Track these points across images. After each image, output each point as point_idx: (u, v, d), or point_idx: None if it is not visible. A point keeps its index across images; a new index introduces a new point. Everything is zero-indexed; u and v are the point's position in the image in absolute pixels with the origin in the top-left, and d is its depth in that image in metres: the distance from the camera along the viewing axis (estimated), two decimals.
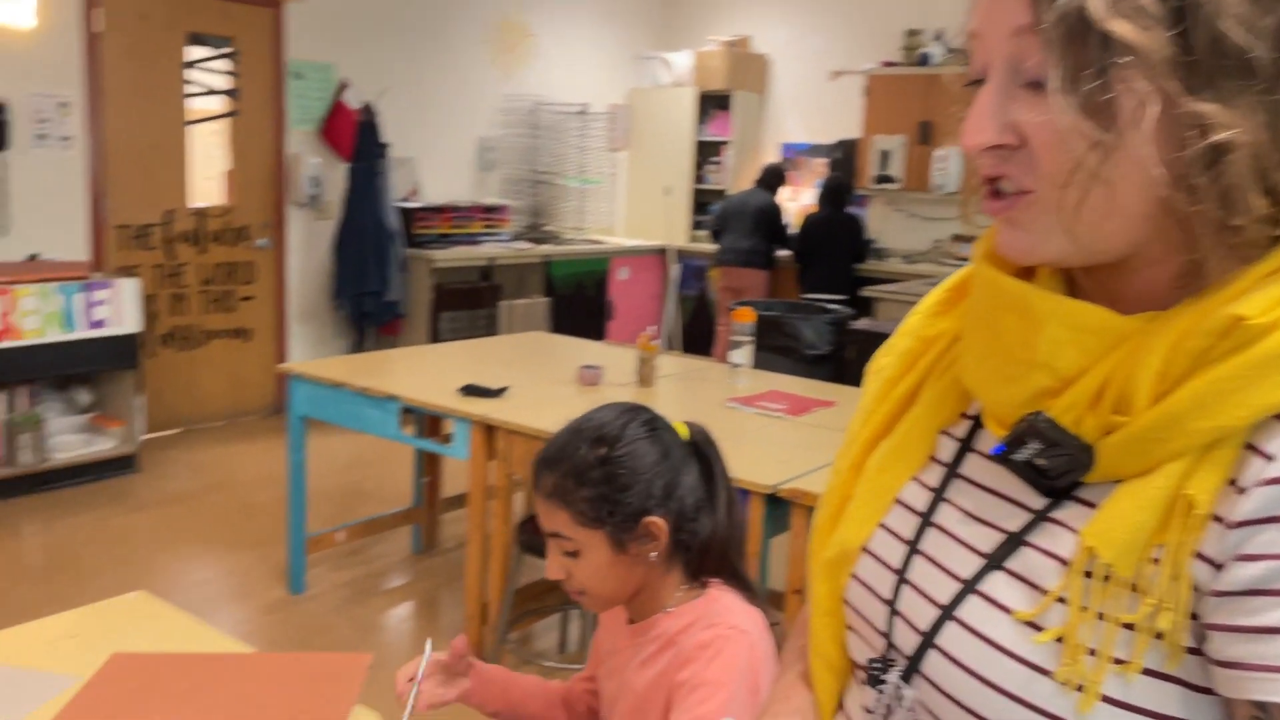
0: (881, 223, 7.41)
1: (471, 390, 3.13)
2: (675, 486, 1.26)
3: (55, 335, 4.41)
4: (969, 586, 0.71)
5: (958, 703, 0.70)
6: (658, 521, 1.23)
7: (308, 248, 5.97)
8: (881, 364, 0.87)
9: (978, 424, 0.78)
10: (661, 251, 7.79)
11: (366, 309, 5.94)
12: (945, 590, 0.73)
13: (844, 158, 7.38)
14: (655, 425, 1.29)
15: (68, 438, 4.66)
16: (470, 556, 3.12)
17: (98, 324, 4.54)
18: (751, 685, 1.16)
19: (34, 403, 4.56)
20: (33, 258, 4.66)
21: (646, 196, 7.98)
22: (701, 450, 1.31)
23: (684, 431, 1.31)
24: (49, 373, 4.54)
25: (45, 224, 4.81)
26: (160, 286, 5.38)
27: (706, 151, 7.86)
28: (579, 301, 7.05)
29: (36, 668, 1.49)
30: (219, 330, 5.68)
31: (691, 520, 1.26)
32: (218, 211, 5.61)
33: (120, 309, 4.61)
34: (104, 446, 4.74)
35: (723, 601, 1.26)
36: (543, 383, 3.38)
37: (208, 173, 5.82)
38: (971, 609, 0.70)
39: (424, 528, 4.09)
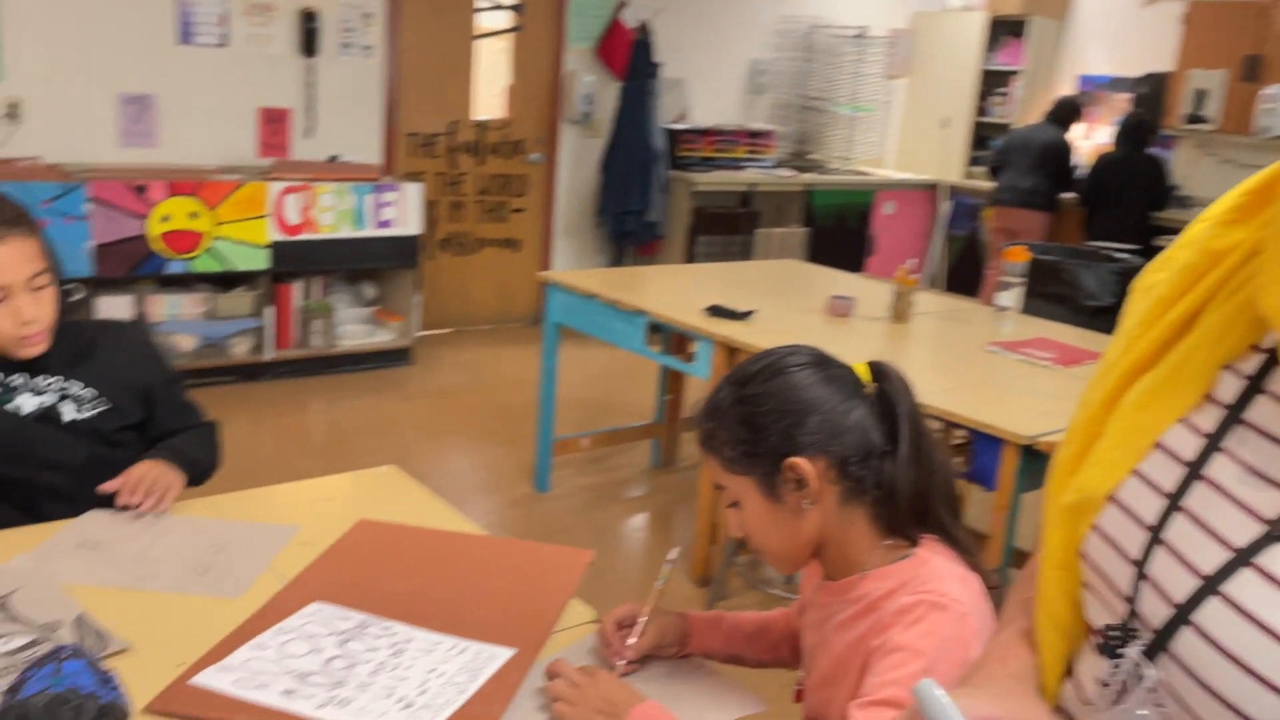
0: (1188, 167, 6.67)
1: (718, 311, 3.11)
2: (837, 428, 1.14)
3: (347, 232, 4.80)
4: (1243, 557, 0.61)
5: (1210, 690, 0.60)
6: (800, 463, 1.12)
7: (576, 164, 6.13)
8: (1153, 280, 0.74)
9: (1273, 360, 0.66)
10: (932, 187, 7.41)
11: (627, 228, 6.05)
12: (1211, 558, 0.62)
13: (1150, 93, 6.67)
14: (811, 363, 1.18)
15: (353, 327, 5.09)
16: (704, 476, 3.14)
17: (384, 224, 4.89)
18: (958, 659, 1.03)
19: (326, 293, 5.01)
20: (333, 159, 5.06)
21: (921, 128, 7.58)
22: (884, 390, 1.17)
23: (864, 371, 1.19)
24: (340, 266, 4.96)
25: (345, 128, 5.21)
26: (441, 194, 5.72)
27: (992, 82, 7.34)
28: (839, 234, 6.85)
29: (294, 523, 1.63)
30: (491, 239, 5.98)
31: (860, 464, 1.14)
32: (497, 125, 5.86)
33: (405, 212, 4.94)
34: (383, 338, 5.15)
35: (932, 565, 1.13)
36: (791, 310, 3.31)
37: (491, 87, 6.08)
38: (1243, 584, 0.60)
39: (663, 443, 4.16)
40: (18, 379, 1.61)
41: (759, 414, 1.16)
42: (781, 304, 3.37)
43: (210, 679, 1.18)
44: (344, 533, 1.58)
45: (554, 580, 1.48)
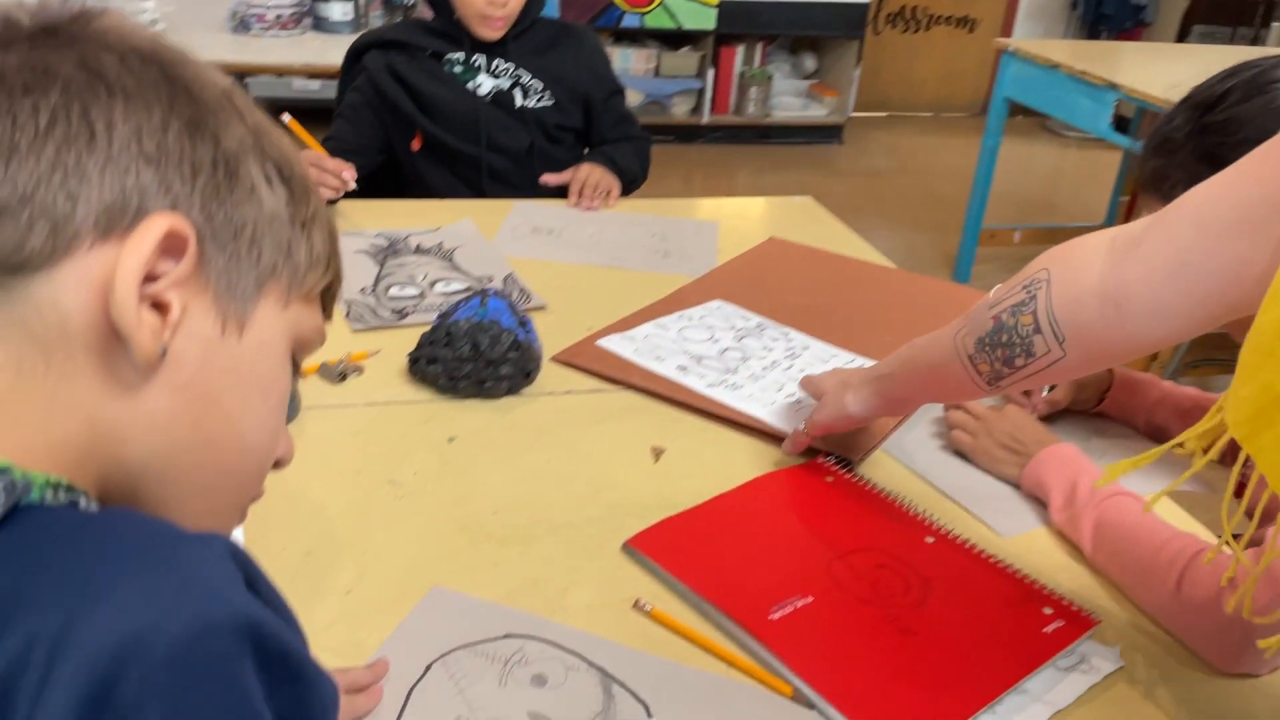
0: None
1: None
2: None
3: None
4: None
5: None
6: None
7: None
8: None
9: None
10: None
11: (1106, 10, 5.28)
12: None
13: None
14: None
15: (788, 99, 5.01)
16: None
17: None
18: None
19: (766, 61, 4.93)
20: None
21: None
22: None
23: None
24: (784, 31, 4.85)
25: None
26: None
27: None
28: None
29: (714, 220, 1.63)
30: (944, 16, 5.51)
31: None
32: None
33: None
34: (817, 113, 5.02)
35: None
36: None
37: None
38: None
39: None
40: (478, 59, 1.71)
41: (1227, 145, 0.90)
42: None
43: (613, 343, 1.22)
44: (753, 246, 1.56)
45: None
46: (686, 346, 1.23)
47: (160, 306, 0.41)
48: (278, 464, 0.51)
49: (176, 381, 0.42)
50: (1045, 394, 1.15)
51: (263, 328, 0.45)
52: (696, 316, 1.31)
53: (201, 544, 0.38)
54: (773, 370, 1.20)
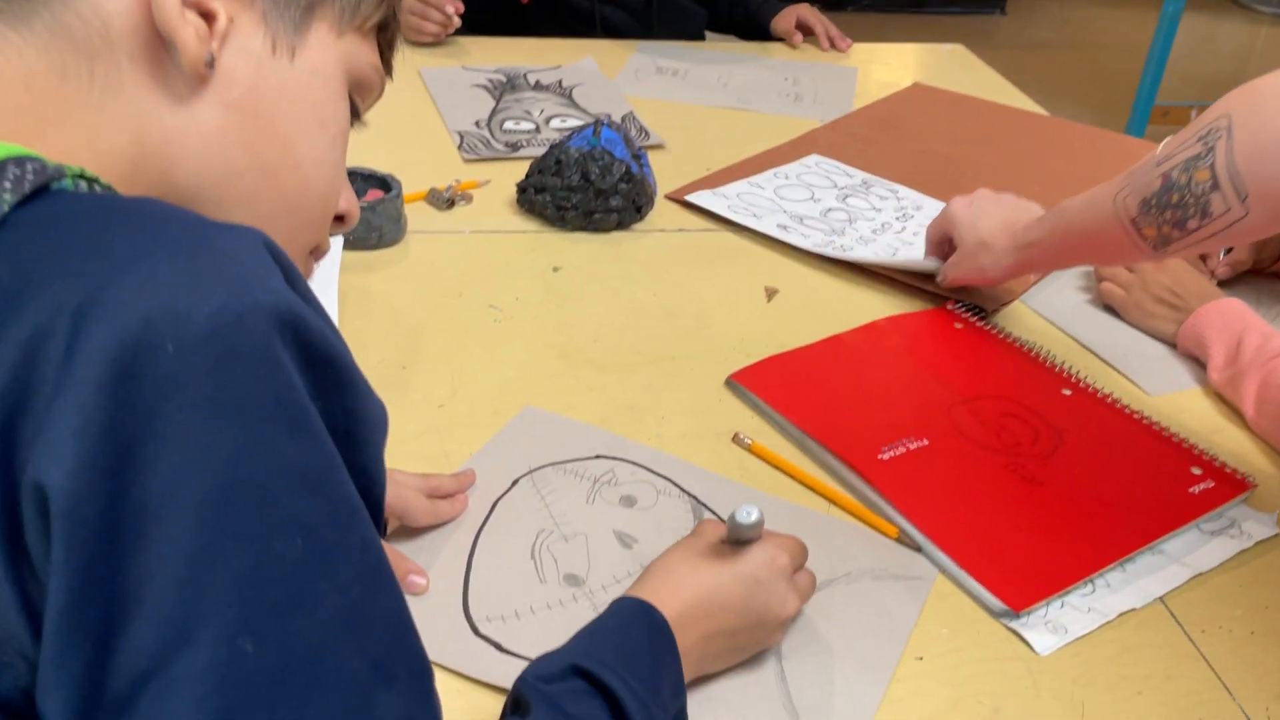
0: None
1: None
2: None
3: None
4: None
5: None
6: None
7: None
8: None
9: None
10: None
11: None
12: None
13: None
14: None
15: None
16: None
17: None
18: None
19: None
20: None
21: None
22: None
23: None
24: None
25: None
26: None
27: None
28: None
29: (853, 66, 1.52)
30: None
31: None
32: None
33: None
34: None
35: None
36: None
37: None
38: None
39: None
40: None
41: None
42: None
43: (703, 199, 1.13)
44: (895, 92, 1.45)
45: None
46: (785, 205, 1.14)
47: (207, 15, 0.39)
48: (341, 221, 0.48)
49: (228, 98, 0.40)
50: (1223, 256, 1.03)
51: (315, 54, 0.43)
52: (793, 174, 1.21)
53: (240, 233, 0.34)
54: (884, 233, 1.10)
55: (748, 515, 0.58)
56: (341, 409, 0.35)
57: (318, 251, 0.48)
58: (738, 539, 0.60)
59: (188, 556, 0.30)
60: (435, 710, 0.36)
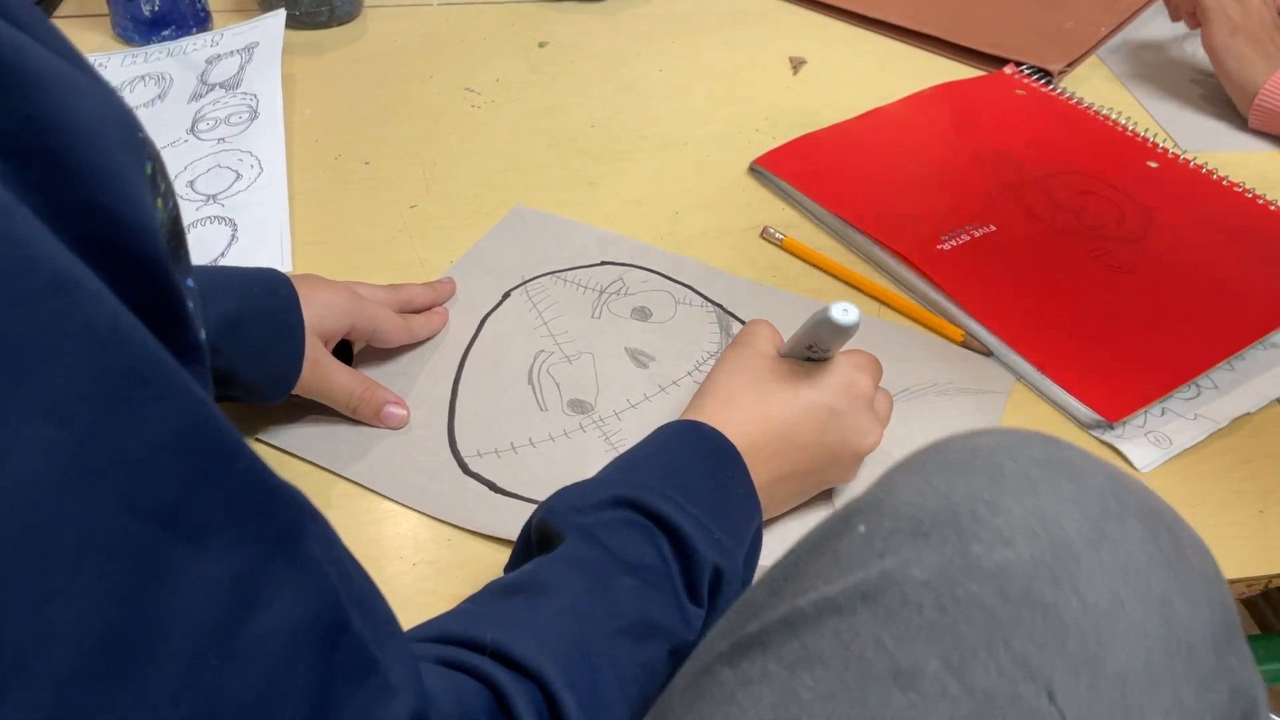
0: None
1: None
2: None
3: None
4: None
5: None
6: None
7: None
8: None
9: None
10: None
11: None
12: None
13: None
14: None
15: None
16: None
17: None
18: None
19: None
20: None
21: None
22: None
23: None
24: None
25: None
26: None
27: None
28: None
29: None
30: None
31: None
32: None
33: None
34: None
35: None
36: None
37: None
38: None
39: None
40: None
41: None
42: None
43: None
44: None
45: None
46: None
47: None
48: None
49: None
50: None
51: None
52: None
53: None
54: None
55: (845, 314, 0.42)
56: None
57: None
58: (815, 348, 0.46)
59: None
60: None
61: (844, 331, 0.43)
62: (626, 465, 0.42)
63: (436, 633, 0.33)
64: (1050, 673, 0.25)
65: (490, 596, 0.36)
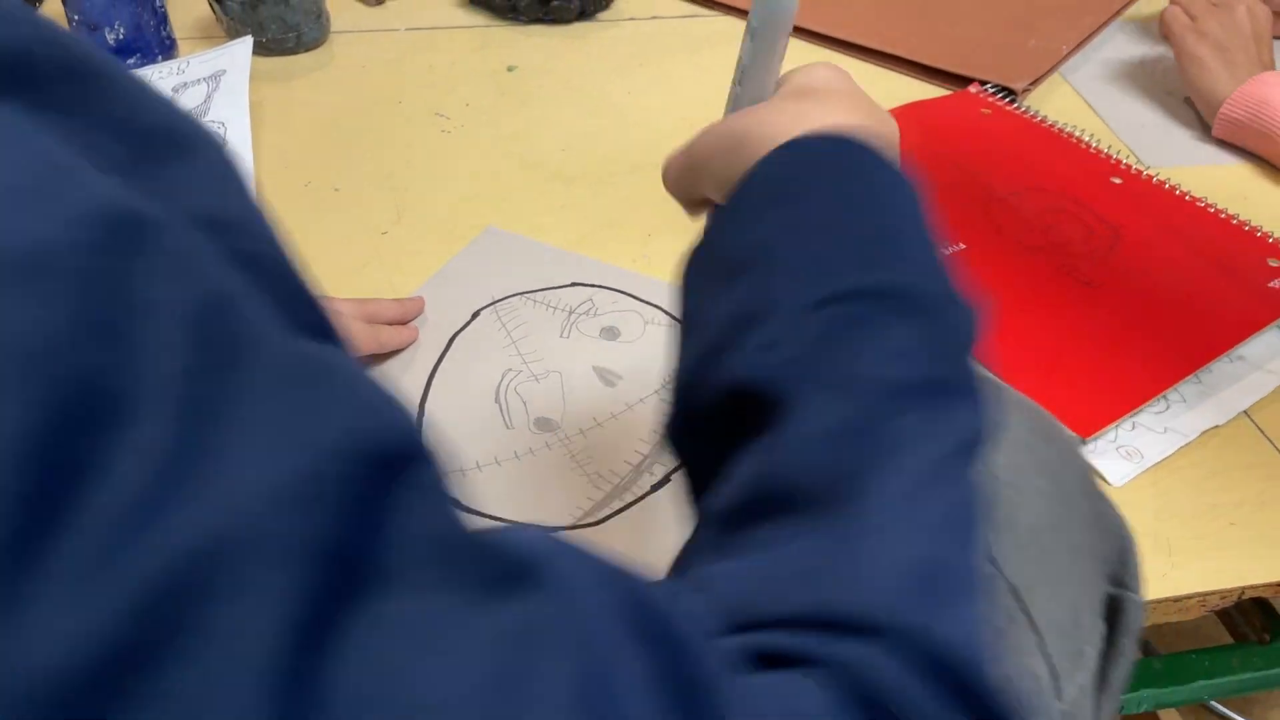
0: None
1: None
2: None
3: None
4: None
5: None
6: None
7: None
8: None
9: None
10: None
11: None
12: None
13: None
14: None
15: None
16: None
17: None
18: None
19: None
20: None
21: None
22: None
23: None
24: None
25: None
26: None
27: None
28: None
29: None
30: None
31: None
32: None
33: None
34: None
35: None
36: None
37: None
38: None
39: None
40: None
41: None
42: None
43: None
44: None
45: None
46: None
47: None
48: None
49: None
50: None
51: None
52: None
53: None
54: None
55: None
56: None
57: None
58: (769, 24, 0.37)
59: None
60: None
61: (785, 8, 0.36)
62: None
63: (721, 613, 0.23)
64: (988, 542, 0.27)
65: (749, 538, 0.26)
